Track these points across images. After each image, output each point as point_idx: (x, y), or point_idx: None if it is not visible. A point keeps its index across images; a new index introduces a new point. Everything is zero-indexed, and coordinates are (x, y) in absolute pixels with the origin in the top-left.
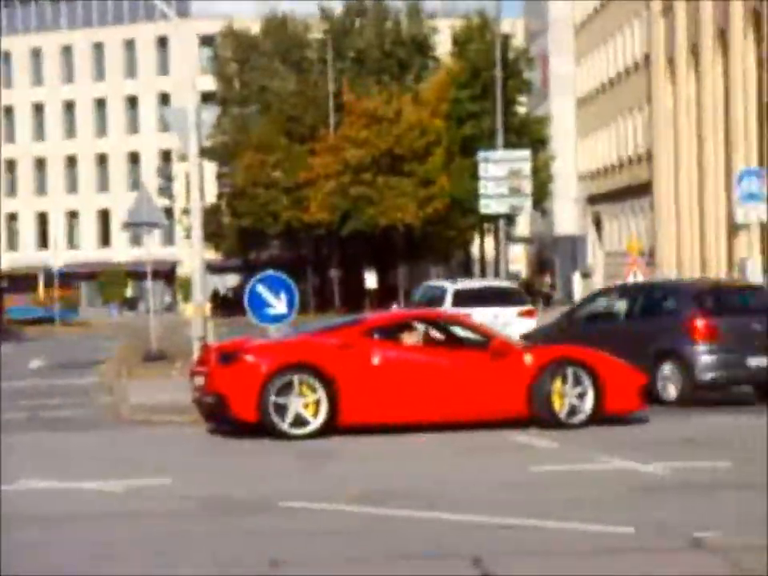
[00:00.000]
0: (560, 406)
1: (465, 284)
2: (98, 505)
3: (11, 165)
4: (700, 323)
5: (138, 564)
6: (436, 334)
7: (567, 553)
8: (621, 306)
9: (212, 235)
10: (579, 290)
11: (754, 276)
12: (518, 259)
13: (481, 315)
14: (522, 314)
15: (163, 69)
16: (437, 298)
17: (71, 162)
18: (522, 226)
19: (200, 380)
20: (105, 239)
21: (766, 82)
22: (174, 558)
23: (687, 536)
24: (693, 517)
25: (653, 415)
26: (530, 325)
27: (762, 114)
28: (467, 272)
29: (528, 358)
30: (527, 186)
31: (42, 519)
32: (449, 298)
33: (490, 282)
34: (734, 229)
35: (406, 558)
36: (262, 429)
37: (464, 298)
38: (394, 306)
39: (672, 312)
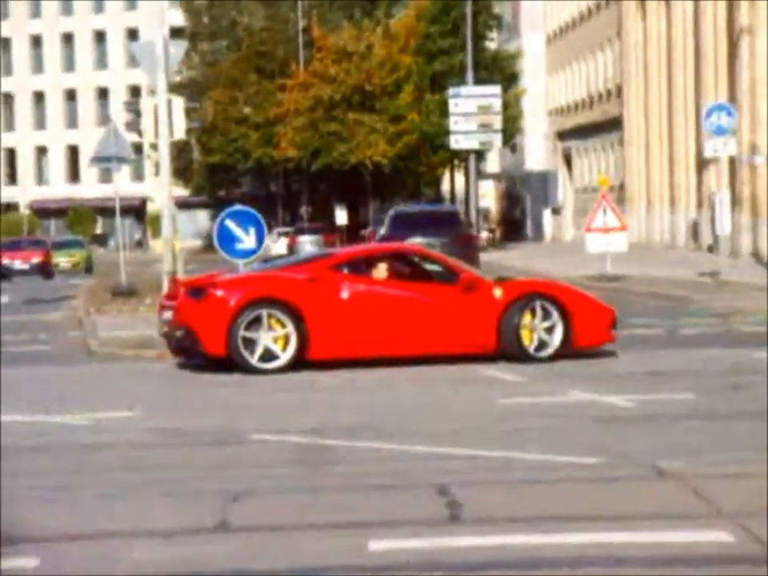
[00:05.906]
0: (529, 340)
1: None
2: (63, 437)
3: None
4: None
5: (97, 494)
6: (405, 268)
7: (532, 482)
8: None
9: (181, 171)
10: (549, 225)
11: (723, 210)
12: (488, 195)
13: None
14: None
15: (131, 3)
16: None
17: (39, 97)
18: (492, 162)
19: (169, 314)
20: (74, 175)
21: (736, 17)
22: (133, 488)
23: (650, 465)
24: (656, 447)
25: (620, 349)
26: None
27: (732, 47)
28: None
29: (497, 292)
30: (497, 122)
31: (7, 450)
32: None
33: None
34: (703, 163)
35: (372, 489)
36: (231, 363)
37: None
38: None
39: None
